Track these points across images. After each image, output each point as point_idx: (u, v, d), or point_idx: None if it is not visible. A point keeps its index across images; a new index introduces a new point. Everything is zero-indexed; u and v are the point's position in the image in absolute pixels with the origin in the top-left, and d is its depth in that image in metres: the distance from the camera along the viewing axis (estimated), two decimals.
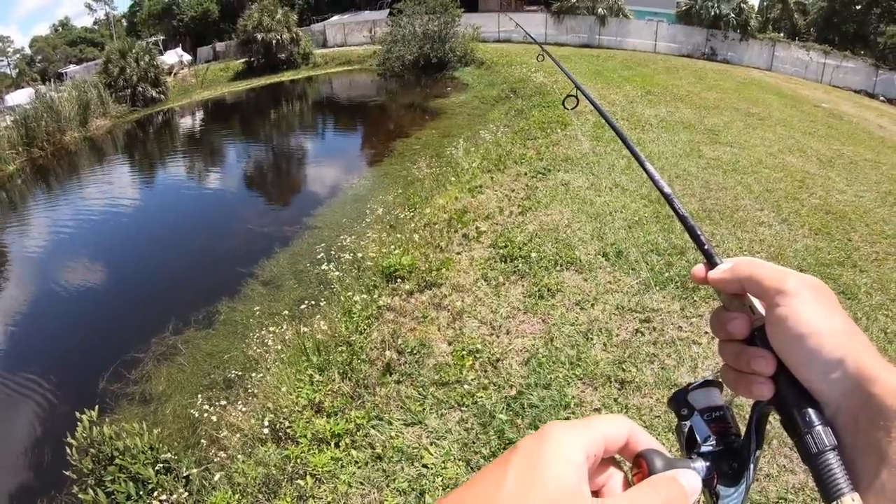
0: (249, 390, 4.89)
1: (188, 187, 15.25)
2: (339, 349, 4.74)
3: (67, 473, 4.33)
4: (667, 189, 0.71)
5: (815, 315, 0.48)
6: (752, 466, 0.53)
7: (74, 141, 21.38)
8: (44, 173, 18.90)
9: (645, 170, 0.79)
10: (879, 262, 5.93)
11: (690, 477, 0.45)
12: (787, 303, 0.49)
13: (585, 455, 0.41)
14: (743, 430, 0.55)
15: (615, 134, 0.93)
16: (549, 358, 4.28)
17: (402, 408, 4.03)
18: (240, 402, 4.74)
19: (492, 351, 4.41)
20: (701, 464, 0.51)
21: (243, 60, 29.22)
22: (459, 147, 10.42)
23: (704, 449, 0.54)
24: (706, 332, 4.55)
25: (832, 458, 0.46)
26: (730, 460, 0.53)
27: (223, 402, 4.94)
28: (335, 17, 34.55)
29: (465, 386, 4.10)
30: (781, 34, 29.08)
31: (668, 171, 8.08)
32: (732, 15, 25.33)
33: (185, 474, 4.25)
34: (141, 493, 4.08)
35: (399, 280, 5.69)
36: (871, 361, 0.47)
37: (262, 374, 4.99)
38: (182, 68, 30.18)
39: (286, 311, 6.02)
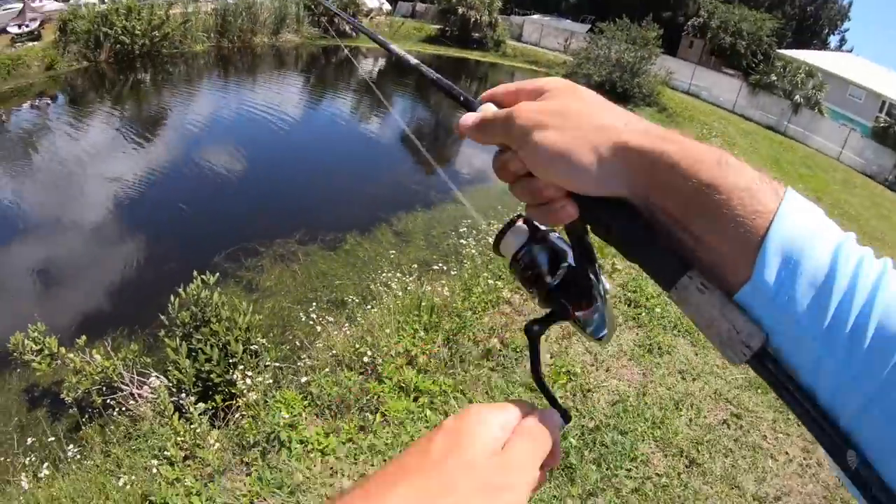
0: (358, 319, 5.20)
1: (348, 123, 15.76)
2: (453, 318, 4.97)
3: (162, 317, 4.71)
4: (413, 60, 0.69)
5: (555, 136, 0.46)
6: (596, 279, 0.52)
7: (262, 45, 23.03)
8: (224, 62, 20.56)
9: (387, 49, 0.77)
10: None
11: (550, 413, 0.49)
12: (525, 141, 0.47)
13: (501, 429, 0.45)
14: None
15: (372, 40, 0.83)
16: (636, 409, 4.31)
17: (487, 393, 4.23)
18: (345, 327, 5.06)
19: (587, 380, 4.50)
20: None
21: (438, 27, 29.83)
22: None
23: (552, 283, 0.53)
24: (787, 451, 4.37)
25: (655, 244, 0.45)
26: (574, 286, 0.53)
27: (331, 319, 5.33)
28: (536, 16, 34.49)
29: None
30: None
31: None
32: None
33: (266, 363, 4.57)
34: (221, 362, 4.39)
35: None
36: (635, 140, 0.45)
37: (375, 308, 5.28)
38: (379, 14, 31.00)
39: (415, 265, 6.36)
